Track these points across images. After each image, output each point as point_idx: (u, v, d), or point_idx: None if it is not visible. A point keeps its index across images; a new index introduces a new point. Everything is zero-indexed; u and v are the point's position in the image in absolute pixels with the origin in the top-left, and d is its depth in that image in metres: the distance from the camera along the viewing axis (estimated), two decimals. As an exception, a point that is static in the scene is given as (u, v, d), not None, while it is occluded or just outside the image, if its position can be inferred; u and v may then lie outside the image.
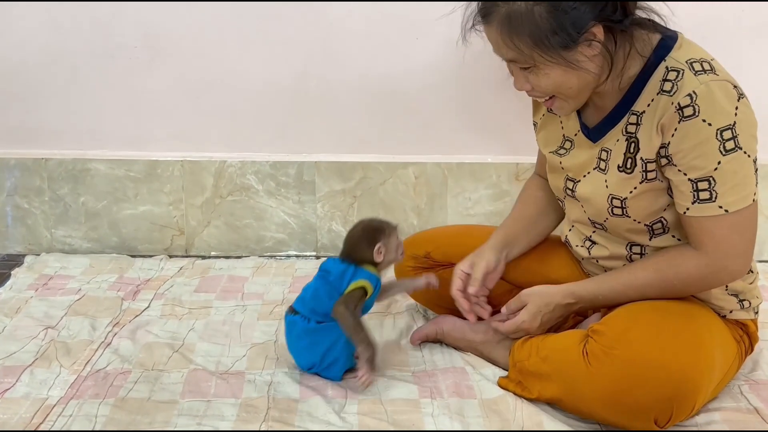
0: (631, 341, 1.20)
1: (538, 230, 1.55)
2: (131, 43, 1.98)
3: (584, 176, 1.36)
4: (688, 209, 1.22)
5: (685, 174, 1.20)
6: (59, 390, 1.38)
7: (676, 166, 1.21)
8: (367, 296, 1.38)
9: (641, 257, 1.35)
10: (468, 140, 2.06)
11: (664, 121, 1.20)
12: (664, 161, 1.23)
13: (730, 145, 1.17)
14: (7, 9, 1.96)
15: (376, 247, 1.39)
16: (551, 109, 1.34)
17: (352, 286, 1.36)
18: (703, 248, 1.23)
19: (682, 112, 1.18)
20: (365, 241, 1.40)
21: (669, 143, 1.20)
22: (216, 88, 2.02)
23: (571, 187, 1.39)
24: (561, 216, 1.55)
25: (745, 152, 1.18)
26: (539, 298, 1.36)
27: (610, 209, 1.31)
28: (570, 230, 1.48)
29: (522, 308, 1.37)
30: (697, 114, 1.17)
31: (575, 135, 1.38)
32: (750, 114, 1.20)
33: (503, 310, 1.41)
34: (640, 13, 1.25)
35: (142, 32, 1.98)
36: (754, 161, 1.21)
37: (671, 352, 1.18)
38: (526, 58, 1.21)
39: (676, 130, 1.19)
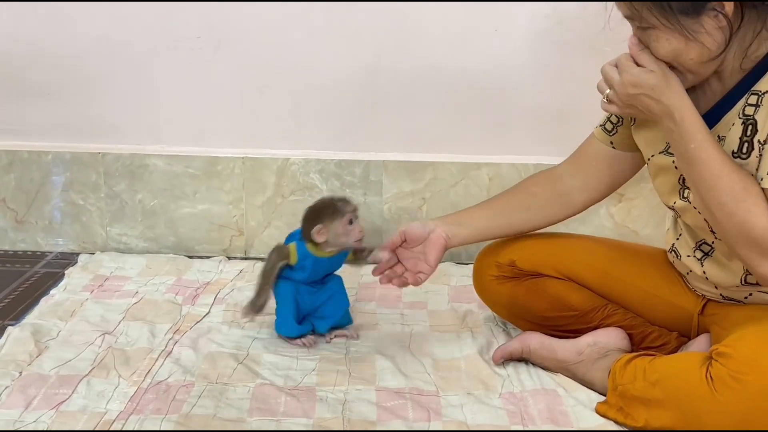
0: (766, 366, 1.07)
1: (510, 223, 1.44)
2: (193, 34, 1.89)
3: None
4: (762, 179, 1.09)
5: None
6: (118, 403, 1.28)
7: None
8: (289, 263, 1.46)
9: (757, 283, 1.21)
10: (545, 140, 1.93)
11: None
12: None
13: None
14: (65, -3, 1.88)
15: (315, 228, 1.42)
16: None
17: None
18: None
19: None
20: (308, 220, 1.45)
21: None
22: (280, 82, 1.92)
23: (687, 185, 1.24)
24: (545, 220, 1.44)
25: None
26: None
27: None
28: (677, 239, 1.34)
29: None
30: None
31: None
32: None
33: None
34: None
35: (204, 23, 1.89)
36: None
37: None
38: (643, 17, 1.12)
39: None
